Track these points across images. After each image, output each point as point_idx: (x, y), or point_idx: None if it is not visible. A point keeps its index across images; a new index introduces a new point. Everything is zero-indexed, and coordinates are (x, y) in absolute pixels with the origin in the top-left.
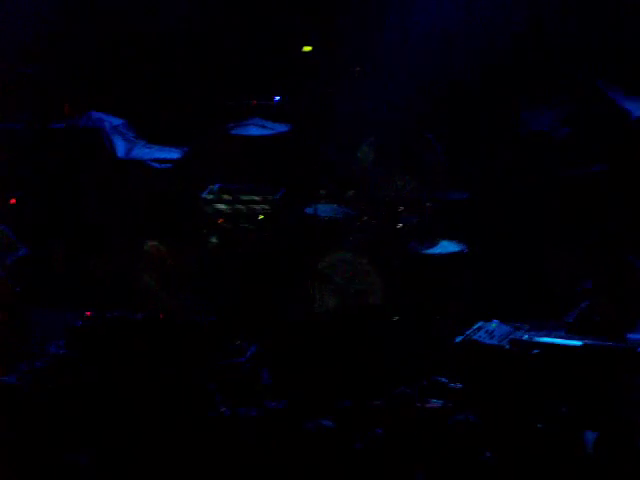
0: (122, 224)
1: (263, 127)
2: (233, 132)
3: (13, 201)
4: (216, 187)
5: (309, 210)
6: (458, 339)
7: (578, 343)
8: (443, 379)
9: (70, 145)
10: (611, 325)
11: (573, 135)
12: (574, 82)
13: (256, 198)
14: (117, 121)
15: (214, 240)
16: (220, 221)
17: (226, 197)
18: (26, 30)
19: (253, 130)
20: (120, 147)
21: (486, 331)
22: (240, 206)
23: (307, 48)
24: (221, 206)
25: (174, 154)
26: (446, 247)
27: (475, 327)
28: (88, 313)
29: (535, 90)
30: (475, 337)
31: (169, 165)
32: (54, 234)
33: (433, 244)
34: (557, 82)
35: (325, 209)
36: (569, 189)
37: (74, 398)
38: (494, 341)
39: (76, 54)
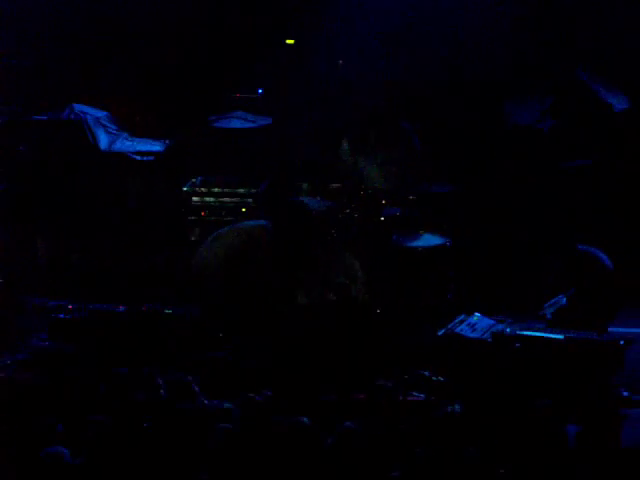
0: (107, 216)
1: (246, 120)
2: (215, 125)
3: None
4: (198, 180)
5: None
6: (440, 332)
7: (560, 336)
8: (425, 372)
9: (53, 137)
10: (593, 318)
11: (557, 128)
12: (556, 75)
13: (239, 191)
14: (99, 113)
15: (196, 232)
16: (202, 214)
17: (208, 190)
18: (9, 22)
19: (236, 123)
20: (102, 140)
21: (468, 324)
22: (223, 198)
23: (290, 41)
24: (203, 199)
25: (156, 147)
26: (429, 240)
27: (457, 320)
28: (70, 306)
29: (518, 82)
30: (457, 330)
31: (151, 158)
32: (37, 226)
33: (416, 237)
34: (539, 74)
35: (308, 202)
36: (553, 182)
37: (54, 390)
38: (476, 334)
39: (59, 46)
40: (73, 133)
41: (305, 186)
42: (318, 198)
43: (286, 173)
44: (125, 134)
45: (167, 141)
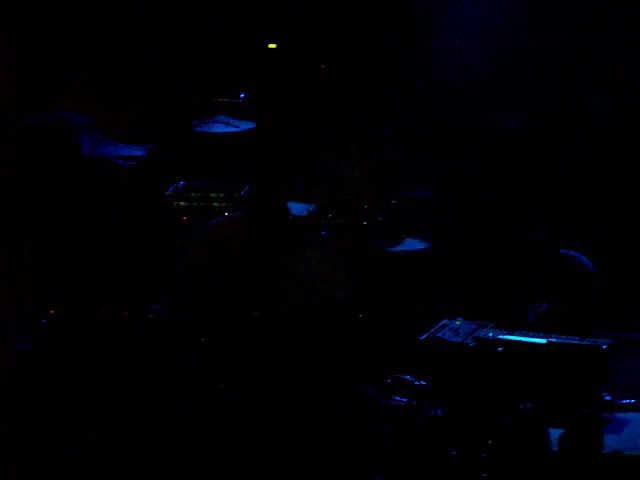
0: (90, 221)
1: (228, 124)
2: (198, 129)
3: None
4: (181, 185)
5: None
6: (422, 337)
7: (542, 341)
8: (408, 377)
9: (37, 142)
10: (576, 322)
11: (541, 133)
12: (542, 79)
13: (221, 195)
14: (81, 119)
15: (180, 237)
16: (184, 219)
17: (191, 195)
18: None
19: (218, 127)
20: (85, 145)
21: (450, 329)
22: (205, 203)
23: (272, 45)
24: (186, 204)
25: (138, 152)
26: (411, 245)
27: (439, 325)
28: (52, 311)
29: (502, 86)
30: (439, 335)
31: (133, 163)
32: (22, 231)
33: (398, 242)
34: (525, 79)
35: (290, 207)
36: (536, 187)
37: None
38: (458, 339)
39: (38, 50)
40: (56, 138)
41: (288, 190)
42: (301, 203)
43: (269, 178)
44: (107, 139)
45: (149, 146)
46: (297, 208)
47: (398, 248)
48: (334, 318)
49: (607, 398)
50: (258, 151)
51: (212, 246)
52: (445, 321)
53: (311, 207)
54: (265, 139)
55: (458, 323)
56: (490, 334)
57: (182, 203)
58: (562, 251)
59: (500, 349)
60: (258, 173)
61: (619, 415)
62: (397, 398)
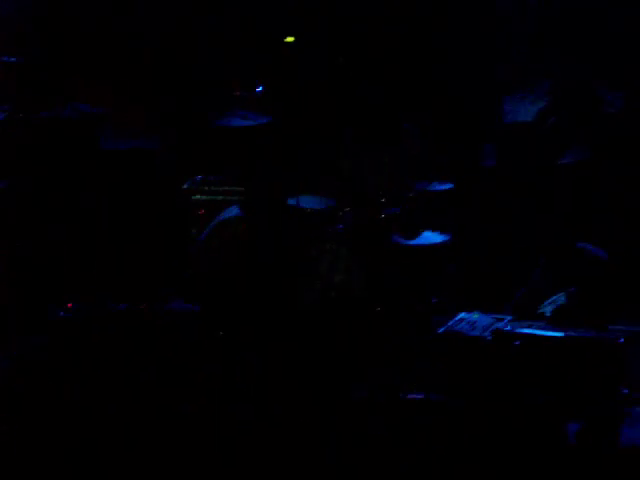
0: (108, 215)
1: (245, 118)
2: (215, 123)
3: None
4: (197, 178)
5: (292, 201)
6: (440, 330)
7: (559, 334)
8: (425, 370)
9: (54, 135)
10: (593, 316)
11: (556, 126)
12: (557, 72)
13: (238, 189)
14: (98, 111)
15: (194, 231)
16: (201, 212)
17: (207, 188)
18: (8, 21)
19: (235, 121)
20: (102, 138)
21: (468, 322)
22: (222, 197)
23: (290, 39)
24: (202, 197)
25: (155, 145)
26: (429, 238)
27: (457, 318)
28: (69, 304)
29: (517, 79)
30: (457, 328)
31: (151, 156)
32: (40, 224)
33: (416, 235)
34: (540, 72)
35: (308, 200)
36: (553, 180)
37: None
38: (476, 332)
39: (56, 44)
40: (75, 131)
41: (306, 184)
42: (318, 196)
43: (286, 171)
44: (123, 132)
45: (166, 139)
46: (314, 202)
47: (415, 242)
48: (350, 312)
49: (624, 392)
50: (266, 146)
51: (220, 244)
52: (462, 315)
53: (330, 201)
54: (277, 133)
55: (476, 317)
56: (508, 327)
57: (199, 197)
58: (578, 244)
59: (517, 342)
60: (257, 169)
61: (637, 409)
62: (413, 393)
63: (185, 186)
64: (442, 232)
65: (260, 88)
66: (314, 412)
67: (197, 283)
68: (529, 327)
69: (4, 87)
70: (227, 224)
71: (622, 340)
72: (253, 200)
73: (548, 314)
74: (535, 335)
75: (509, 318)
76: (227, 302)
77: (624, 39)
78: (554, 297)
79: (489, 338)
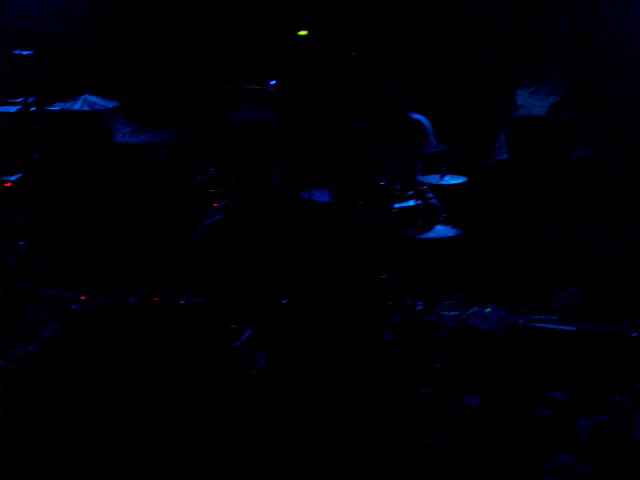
0: (120, 208)
1: (259, 111)
2: (229, 116)
3: (8, 184)
4: (211, 171)
5: (304, 194)
6: (453, 324)
7: (572, 328)
8: (437, 365)
9: (67, 128)
10: (606, 310)
11: (571, 119)
12: (569, 64)
13: (251, 182)
14: (112, 104)
15: (208, 224)
16: (215, 205)
17: (221, 181)
18: (22, 14)
19: (249, 114)
20: (115, 131)
21: (481, 316)
22: (235, 190)
23: (303, 32)
24: (216, 190)
25: (169, 138)
26: (441, 232)
27: (470, 312)
28: (82, 297)
29: (529, 73)
30: (470, 322)
31: (164, 149)
32: (52, 217)
33: (428, 229)
34: (552, 65)
35: (320, 193)
36: (564, 174)
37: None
38: (489, 326)
39: (70, 37)
40: (88, 124)
41: (317, 177)
42: (328, 190)
43: (297, 165)
44: (137, 125)
45: (180, 132)
46: (322, 194)
47: (428, 235)
48: (362, 305)
49: (638, 386)
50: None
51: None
52: (475, 308)
53: (341, 194)
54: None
55: (488, 310)
56: (521, 321)
57: (212, 190)
58: (591, 238)
59: (530, 337)
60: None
61: None
62: (425, 386)
63: (199, 179)
64: (455, 225)
65: (272, 82)
66: (320, 407)
67: (198, 280)
68: (542, 321)
69: (16, 80)
70: (211, 228)
71: (635, 334)
72: (245, 192)
73: (561, 308)
74: (548, 329)
75: (522, 312)
76: (227, 296)
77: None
78: (567, 291)
79: (502, 332)
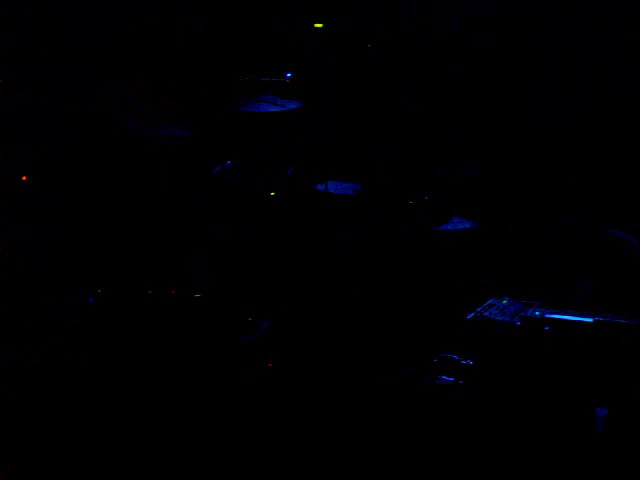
0: (138, 198)
1: (275, 104)
2: (245, 109)
3: (24, 178)
4: (227, 163)
5: (320, 187)
6: (469, 316)
7: (589, 320)
8: (454, 356)
9: (85, 121)
10: (622, 302)
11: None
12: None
13: (267, 174)
14: (130, 98)
15: (224, 216)
16: (230, 197)
17: (237, 173)
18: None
19: (265, 107)
20: (133, 124)
21: (497, 308)
22: (251, 182)
23: (318, 25)
24: (232, 182)
25: (185, 131)
26: (458, 224)
27: (486, 304)
28: (99, 290)
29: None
30: (486, 314)
31: (181, 142)
32: (70, 209)
33: (445, 220)
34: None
35: (337, 186)
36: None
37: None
38: (505, 318)
39: (89, 34)
40: (106, 117)
41: (334, 169)
42: (348, 182)
43: (314, 158)
44: (155, 118)
45: (197, 125)
46: (344, 187)
47: (445, 227)
48: (377, 298)
49: None
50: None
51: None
52: (492, 300)
53: (359, 186)
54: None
55: (505, 302)
56: (537, 313)
57: (228, 182)
58: (609, 230)
59: (547, 328)
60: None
61: None
62: (444, 377)
63: (215, 171)
64: (471, 218)
65: (290, 74)
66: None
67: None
68: (558, 312)
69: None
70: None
71: None
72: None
73: (578, 299)
74: (564, 320)
75: (538, 303)
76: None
77: None
78: (583, 283)
79: (518, 324)
